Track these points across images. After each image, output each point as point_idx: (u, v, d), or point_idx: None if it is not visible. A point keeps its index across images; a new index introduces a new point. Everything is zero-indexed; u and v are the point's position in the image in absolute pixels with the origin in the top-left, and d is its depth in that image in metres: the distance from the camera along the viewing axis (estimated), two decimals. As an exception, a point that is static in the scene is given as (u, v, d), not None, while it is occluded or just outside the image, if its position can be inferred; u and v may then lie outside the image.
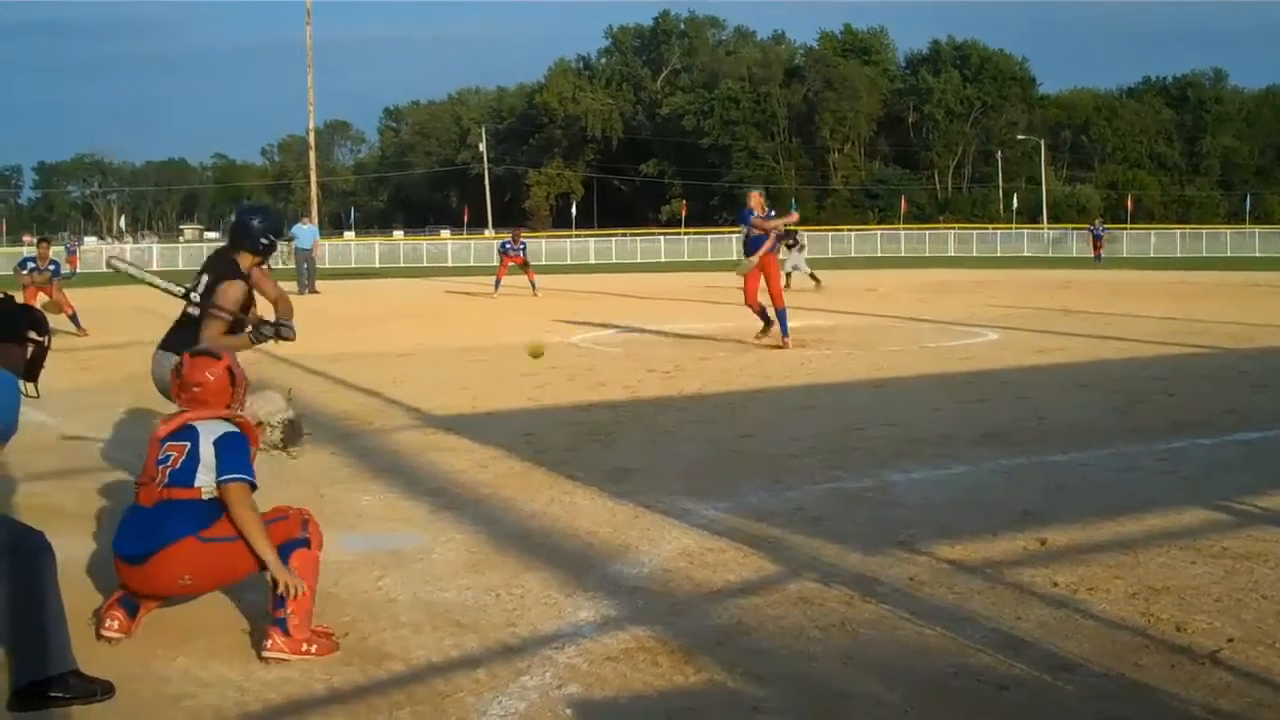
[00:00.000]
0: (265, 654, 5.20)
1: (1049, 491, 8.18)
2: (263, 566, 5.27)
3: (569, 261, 69.50)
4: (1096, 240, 59.79)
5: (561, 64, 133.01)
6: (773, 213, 18.73)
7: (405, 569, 6.54)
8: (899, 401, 12.57)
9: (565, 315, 24.63)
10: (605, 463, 9.31)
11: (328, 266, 53.56)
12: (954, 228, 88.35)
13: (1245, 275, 40.62)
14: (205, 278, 7.63)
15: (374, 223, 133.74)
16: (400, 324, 23.92)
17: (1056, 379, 13.81)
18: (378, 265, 67.05)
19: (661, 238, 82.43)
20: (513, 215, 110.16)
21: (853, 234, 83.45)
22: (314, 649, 5.24)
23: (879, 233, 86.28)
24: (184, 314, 7.67)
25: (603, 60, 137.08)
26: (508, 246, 34.50)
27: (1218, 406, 11.66)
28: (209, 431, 5.46)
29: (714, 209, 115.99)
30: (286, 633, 5.20)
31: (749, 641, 5.34)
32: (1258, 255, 67.45)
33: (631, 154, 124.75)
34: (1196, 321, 21.72)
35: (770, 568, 6.43)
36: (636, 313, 25.95)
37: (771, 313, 17.63)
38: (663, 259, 72.97)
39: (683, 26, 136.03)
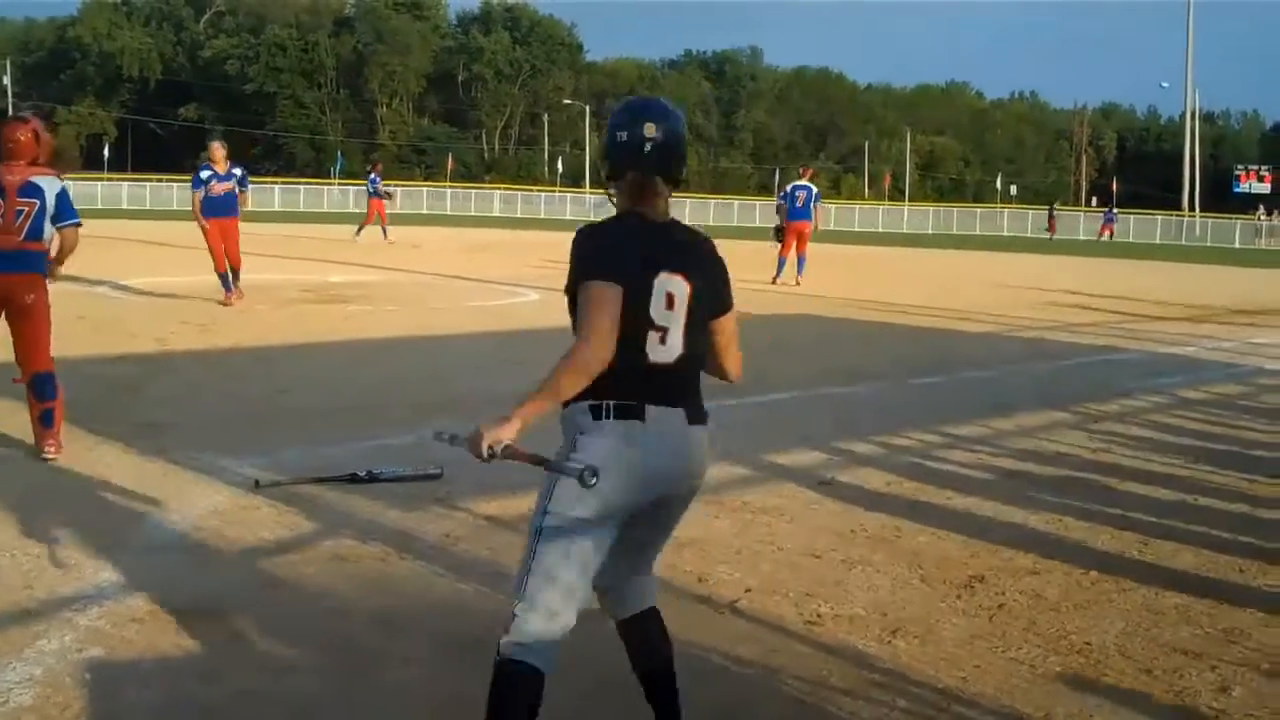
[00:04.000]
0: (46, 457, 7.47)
1: (584, 449, 8.37)
2: None
3: (100, 206, 65.93)
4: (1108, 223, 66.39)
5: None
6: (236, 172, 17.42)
7: (-93, 529, 6.08)
8: (442, 359, 12.63)
9: (91, 265, 23.39)
10: (134, 417, 8.93)
11: None
12: (500, 188, 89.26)
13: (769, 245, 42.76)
14: None
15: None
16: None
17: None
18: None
19: (201, 185, 79.38)
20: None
21: (399, 189, 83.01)
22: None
23: (425, 189, 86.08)
24: None
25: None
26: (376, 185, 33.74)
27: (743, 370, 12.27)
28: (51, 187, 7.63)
29: (256, 158, 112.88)
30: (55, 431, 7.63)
31: (282, 600, 5.25)
32: (776, 223, 71.28)
33: (171, 97, 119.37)
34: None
35: (305, 525, 6.34)
36: (171, 262, 24.97)
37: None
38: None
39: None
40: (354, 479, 7.14)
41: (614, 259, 3.45)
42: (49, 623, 4.88)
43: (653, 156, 3.57)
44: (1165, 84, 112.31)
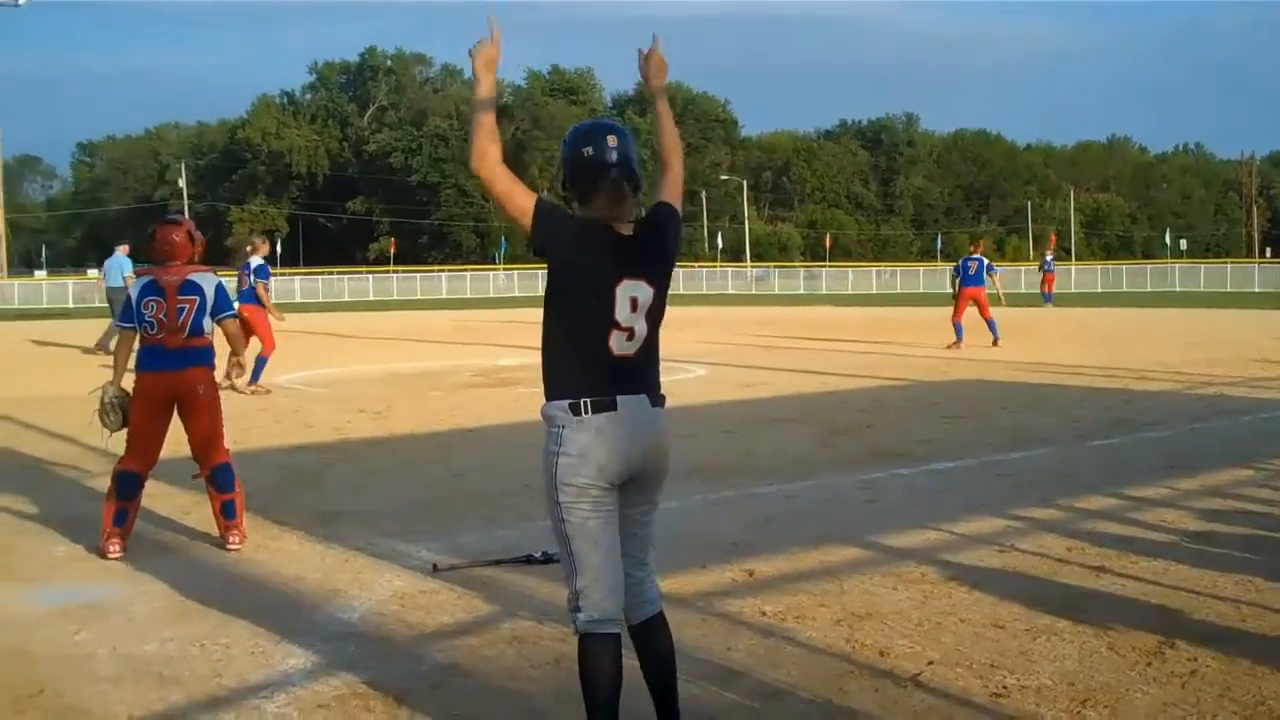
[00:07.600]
0: (230, 547, 7.73)
1: (756, 523, 8.36)
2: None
3: (274, 300, 67.83)
4: (1047, 273, 53.84)
5: (265, 100, 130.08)
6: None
7: (104, 621, 6.27)
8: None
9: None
10: (314, 506, 9.13)
11: (15, 306, 51.18)
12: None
13: (936, 311, 42.38)
14: None
15: (66, 261, 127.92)
16: (89, 364, 22.82)
17: (761, 413, 14.15)
18: (70, 306, 63.78)
19: (370, 276, 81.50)
20: (216, 253, 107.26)
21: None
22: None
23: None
24: None
25: (308, 96, 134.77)
26: None
27: (914, 437, 12.14)
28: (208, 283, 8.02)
29: (423, 247, 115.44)
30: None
31: (464, 683, 5.29)
32: (950, 291, 70.43)
33: (338, 191, 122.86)
34: (892, 355, 22.59)
35: (484, 608, 6.39)
36: (346, 352, 25.56)
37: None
38: (371, 297, 72.15)
39: (389, 63, 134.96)
40: (530, 560, 7.20)
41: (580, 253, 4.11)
42: (238, 710, 4.99)
43: (618, 166, 4.36)
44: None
